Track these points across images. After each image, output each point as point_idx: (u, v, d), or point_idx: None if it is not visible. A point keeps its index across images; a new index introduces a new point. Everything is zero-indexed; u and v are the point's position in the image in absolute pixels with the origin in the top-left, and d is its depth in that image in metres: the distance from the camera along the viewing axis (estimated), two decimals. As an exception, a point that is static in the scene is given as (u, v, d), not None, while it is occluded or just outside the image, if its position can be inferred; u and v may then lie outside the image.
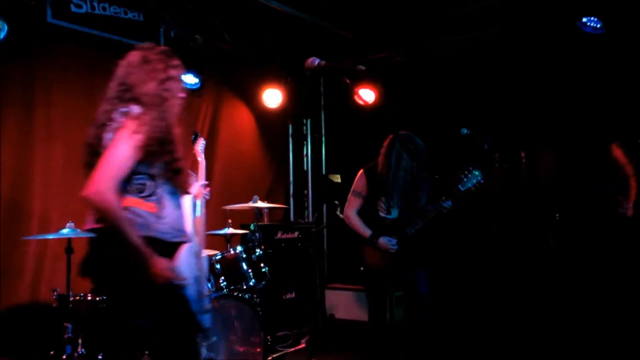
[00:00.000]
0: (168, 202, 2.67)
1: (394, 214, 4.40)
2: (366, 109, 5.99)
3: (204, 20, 6.22)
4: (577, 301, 5.29)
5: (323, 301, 6.73)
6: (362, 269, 4.38)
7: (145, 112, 2.58)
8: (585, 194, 5.59)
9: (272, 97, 6.89)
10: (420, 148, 4.38)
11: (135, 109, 2.59)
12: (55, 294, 4.03)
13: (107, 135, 2.60)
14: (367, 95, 6.26)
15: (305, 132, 7.71)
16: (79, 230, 3.96)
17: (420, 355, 4.44)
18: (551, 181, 5.87)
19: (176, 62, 2.79)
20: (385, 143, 4.45)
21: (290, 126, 7.64)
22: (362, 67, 3.21)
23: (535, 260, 5.63)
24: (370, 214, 4.40)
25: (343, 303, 6.43)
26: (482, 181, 4.16)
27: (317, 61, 3.13)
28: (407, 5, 6.13)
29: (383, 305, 4.27)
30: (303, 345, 5.81)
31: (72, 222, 3.95)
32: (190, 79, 6.09)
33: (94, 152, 2.65)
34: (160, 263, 2.54)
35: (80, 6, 5.01)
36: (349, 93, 5.43)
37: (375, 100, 6.19)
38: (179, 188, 2.73)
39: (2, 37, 4.61)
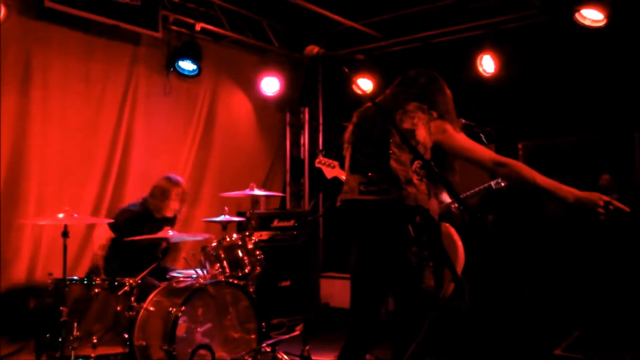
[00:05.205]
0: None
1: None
2: (364, 98, 5.97)
3: (203, 5, 6.18)
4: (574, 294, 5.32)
5: (318, 289, 6.75)
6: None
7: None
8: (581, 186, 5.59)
9: (270, 84, 6.87)
10: None
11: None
12: (51, 277, 4.04)
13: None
14: (365, 84, 6.27)
15: (302, 121, 7.71)
16: (75, 214, 3.97)
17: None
18: (549, 172, 5.87)
19: None
20: None
21: (288, 114, 7.63)
22: (361, 56, 3.22)
23: (533, 251, 5.65)
24: None
25: (337, 291, 6.46)
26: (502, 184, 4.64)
27: (315, 49, 3.12)
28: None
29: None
30: (297, 333, 5.82)
31: (67, 207, 3.95)
32: (188, 66, 6.06)
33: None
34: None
35: (78, -10, 4.99)
36: (347, 82, 5.44)
37: (373, 90, 6.18)
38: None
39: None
